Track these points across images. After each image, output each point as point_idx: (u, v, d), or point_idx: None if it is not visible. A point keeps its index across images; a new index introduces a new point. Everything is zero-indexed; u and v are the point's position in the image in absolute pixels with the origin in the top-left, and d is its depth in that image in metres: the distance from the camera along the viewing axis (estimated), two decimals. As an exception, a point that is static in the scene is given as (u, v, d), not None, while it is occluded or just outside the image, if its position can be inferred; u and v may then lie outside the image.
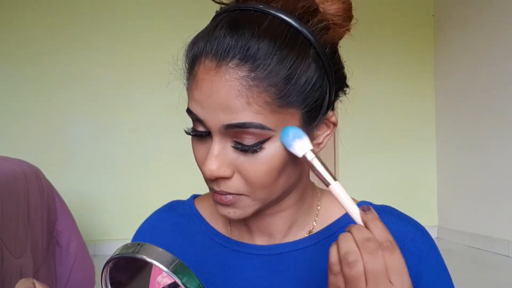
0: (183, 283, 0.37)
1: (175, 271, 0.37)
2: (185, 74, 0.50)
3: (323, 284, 0.53)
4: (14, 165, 1.64)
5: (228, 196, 0.48)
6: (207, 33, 0.47)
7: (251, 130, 0.44)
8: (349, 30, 0.53)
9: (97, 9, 3.40)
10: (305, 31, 0.46)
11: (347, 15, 0.52)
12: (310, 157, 0.44)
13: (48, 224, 1.75)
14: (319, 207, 0.58)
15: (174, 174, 3.40)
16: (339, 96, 0.55)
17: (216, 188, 0.48)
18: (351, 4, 0.52)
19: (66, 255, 1.80)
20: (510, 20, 3.07)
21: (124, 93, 3.41)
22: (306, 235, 0.57)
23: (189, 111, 0.48)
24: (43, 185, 1.74)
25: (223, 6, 0.50)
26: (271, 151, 0.46)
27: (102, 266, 0.42)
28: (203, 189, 0.74)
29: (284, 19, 0.46)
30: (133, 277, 0.42)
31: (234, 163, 0.47)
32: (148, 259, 0.38)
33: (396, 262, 0.39)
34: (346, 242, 0.40)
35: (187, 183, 3.29)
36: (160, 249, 0.39)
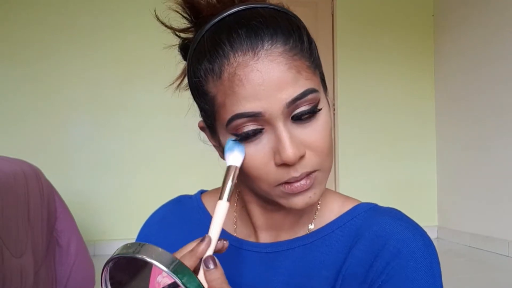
0: (183, 283, 0.37)
1: (175, 271, 0.37)
2: (204, 87, 0.49)
3: (319, 282, 0.54)
4: (14, 165, 1.64)
5: (307, 180, 0.49)
6: (222, 40, 0.47)
7: (309, 96, 0.47)
8: None
9: (97, 9, 3.40)
10: (289, 12, 0.51)
11: None
12: (232, 170, 0.47)
13: (48, 224, 1.75)
14: (319, 205, 0.59)
15: (175, 174, 3.40)
16: None
17: (295, 174, 0.48)
18: None
19: (66, 255, 1.80)
20: (510, 20, 3.07)
21: (124, 93, 3.41)
22: (305, 234, 0.58)
23: (237, 116, 0.46)
24: (43, 185, 1.74)
25: (184, 39, 0.55)
26: (323, 111, 0.49)
27: (102, 266, 0.42)
28: (204, 188, 0.74)
29: (270, 7, 0.50)
30: (133, 277, 0.42)
31: (301, 140, 0.48)
32: (148, 259, 0.38)
33: None
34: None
35: (187, 183, 3.31)
36: (160, 249, 0.39)
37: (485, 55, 3.29)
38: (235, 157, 0.47)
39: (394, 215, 0.55)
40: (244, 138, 0.48)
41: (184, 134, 3.38)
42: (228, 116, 0.47)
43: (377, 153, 3.76)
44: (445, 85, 3.77)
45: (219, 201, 0.46)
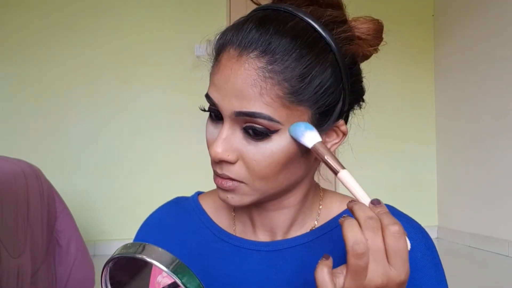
0: (183, 283, 0.37)
1: (175, 271, 0.37)
2: (211, 62, 0.54)
3: None
4: (14, 165, 1.64)
5: (228, 182, 0.51)
6: (236, 26, 0.50)
7: (259, 120, 0.47)
8: (376, 51, 0.57)
9: (97, 8, 3.40)
10: (327, 37, 0.49)
11: (377, 36, 0.55)
12: (319, 146, 0.46)
13: (48, 224, 1.75)
14: (321, 207, 0.60)
15: (174, 174, 3.40)
16: (354, 108, 0.57)
17: (218, 171, 0.51)
18: (382, 26, 0.56)
19: (66, 255, 1.80)
20: (510, 20, 3.07)
21: (125, 93, 3.41)
22: (304, 232, 0.58)
23: (207, 96, 0.51)
24: (43, 185, 1.74)
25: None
26: (276, 143, 0.48)
27: (102, 266, 0.42)
28: (203, 188, 0.74)
29: (309, 23, 0.49)
30: (133, 277, 0.42)
31: (239, 149, 0.49)
32: (148, 259, 0.38)
33: (399, 247, 0.39)
34: (352, 232, 0.39)
35: (187, 183, 3.31)
36: (160, 249, 0.39)
37: (485, 55, 3.29)
38: (310, 136, 0.46)
39: (392, 211, 0.57)
40: (210, 115, 0.52)
41: (184, 133, 3.39)
42: (207, 90, 0.52)
43: (377, 152, 3.76)
44: (445, 84, 3.77)
45: (339, 174, 0.43)
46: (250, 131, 0.48)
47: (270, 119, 0.47)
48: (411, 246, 0.53)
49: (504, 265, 2.89)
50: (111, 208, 3.34)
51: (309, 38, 0.48)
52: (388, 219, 0.40)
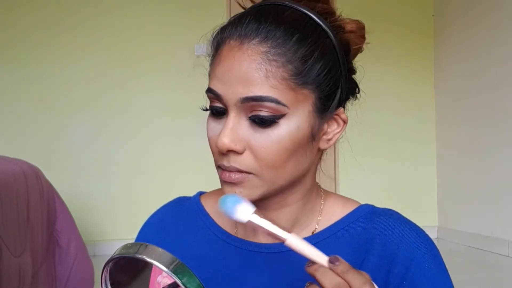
0: (183, 283, 0.37)
1: (175, 271, 0.37)
2: (210, 59, 0.54)
3: None
4: (14, 165, 1.64)
5: (236, 174, 0.50)
6: (233, 21, 0.51)
7: (267, 104, 0.47)
8: (361, 50, 0.58)
9: (97, 9, 3.40)
10: (322, 24, 0.51)
11: (361, 33, 0.57)
12: (256, 219, 0.43)
13: (48, 224, 1.75)
14: (322, 208, 0.59)
15: (175, 174, 3.40)
16: (350, 98, 0.58)
17: (225, 163, 0.50)
18: (364, 25, 0.57)
19: (66, 255, 1.80)
20: (510, 20, 3.07)
21: (125, 93, 3.41)
22: (308, 235, 0.57)
23: (209, 90, 0.51)
24: (43, 185, 1.74)
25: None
26: (284, 128, 0.48)
27: (102, 266, 0.42)
28: (204, 189, 0.74)
29: (305, 12, 0.51)
30: (133, 277, 0.42)
31: (247, 139, 0.49)
32: (148, 259, 0.38)
33: None
34: None
35: (187, 183, 3.30)
36: (160, 249, 0.39)
37: (485, 55, 3.29)
38: (242, 209, 0.44)
39: (397, 218, 0.57)
40: (212, 113, 0.52)
41: (184, 135, 3.39)
42: (208, 85, 0.51)
43: (377, 153, 3.76)
44: (445, 85, 3.77)
45: (288, 241, 0.42)
46: (257, 119, 0.48)
47: (278, 102, 0.47)
48: (418, 256, 0.53)
49: (504, 265, 2.89)
50: (111, 208, 3.33)
51: (306, 25, 0.50)
52: (356, 280, 0.38)
